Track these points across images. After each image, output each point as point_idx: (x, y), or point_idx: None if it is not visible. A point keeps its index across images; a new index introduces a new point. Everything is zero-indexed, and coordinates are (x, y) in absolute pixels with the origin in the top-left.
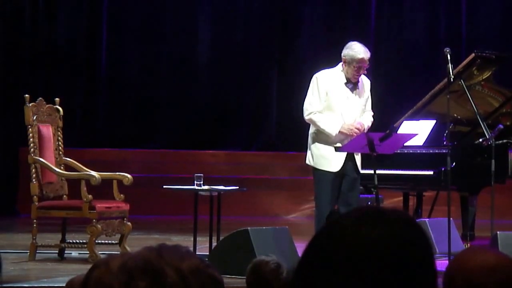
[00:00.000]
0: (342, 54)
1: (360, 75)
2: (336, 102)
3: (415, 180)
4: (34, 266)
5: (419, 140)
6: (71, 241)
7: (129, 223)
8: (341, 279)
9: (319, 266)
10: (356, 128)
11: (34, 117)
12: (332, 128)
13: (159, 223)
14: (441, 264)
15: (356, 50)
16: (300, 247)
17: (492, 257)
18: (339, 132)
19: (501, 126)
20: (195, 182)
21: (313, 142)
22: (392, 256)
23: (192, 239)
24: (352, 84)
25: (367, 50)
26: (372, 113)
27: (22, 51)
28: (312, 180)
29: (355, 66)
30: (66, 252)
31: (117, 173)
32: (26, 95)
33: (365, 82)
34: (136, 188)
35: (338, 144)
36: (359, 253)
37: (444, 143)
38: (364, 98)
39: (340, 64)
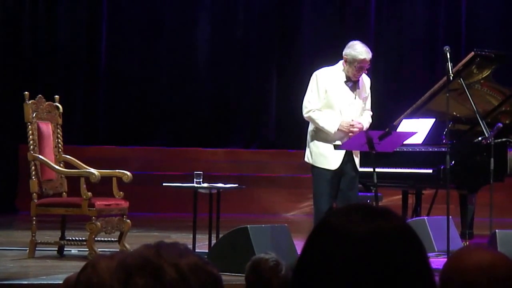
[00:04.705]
0: (343, 53)
1: (361, 75)
2: (335, 100)
3: (414, 178)
4: (34, 263)
5: (418, 139)
6: (70, 238)
7: (128, 221)
8: (336, 278)
9: (314, 265)
10: (354, 126)
11: (34, 114)
12: (331, 125)
13: (158, 221)
14: (440, 262)
15: (358, 50)
16: (299, 245)
17: (488, 256)
18: (338, 129)
19: (500, 125)
20: (195, 179)
21: (312, 140)
22: (382, 251)
23: (192, 236)
24: (352, 82)
25: (369, 50)
26: (371, 113)
27: (22, 48)
28: (311, 178)
29: (356, 66)
30: (65, 249)
31: (117, 170)
32: (26, 92)
33: (365, 81)
34: (136, 185)
35: (337, 142)
36: (350, 250)
37: (443, 141)
38: (364, 97)
39: (341, 62)
